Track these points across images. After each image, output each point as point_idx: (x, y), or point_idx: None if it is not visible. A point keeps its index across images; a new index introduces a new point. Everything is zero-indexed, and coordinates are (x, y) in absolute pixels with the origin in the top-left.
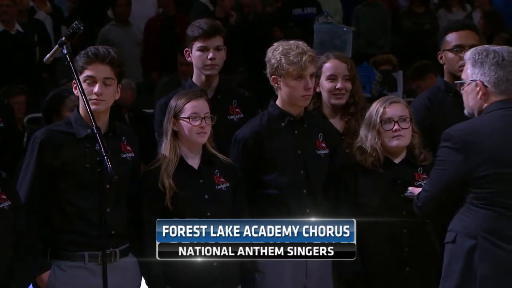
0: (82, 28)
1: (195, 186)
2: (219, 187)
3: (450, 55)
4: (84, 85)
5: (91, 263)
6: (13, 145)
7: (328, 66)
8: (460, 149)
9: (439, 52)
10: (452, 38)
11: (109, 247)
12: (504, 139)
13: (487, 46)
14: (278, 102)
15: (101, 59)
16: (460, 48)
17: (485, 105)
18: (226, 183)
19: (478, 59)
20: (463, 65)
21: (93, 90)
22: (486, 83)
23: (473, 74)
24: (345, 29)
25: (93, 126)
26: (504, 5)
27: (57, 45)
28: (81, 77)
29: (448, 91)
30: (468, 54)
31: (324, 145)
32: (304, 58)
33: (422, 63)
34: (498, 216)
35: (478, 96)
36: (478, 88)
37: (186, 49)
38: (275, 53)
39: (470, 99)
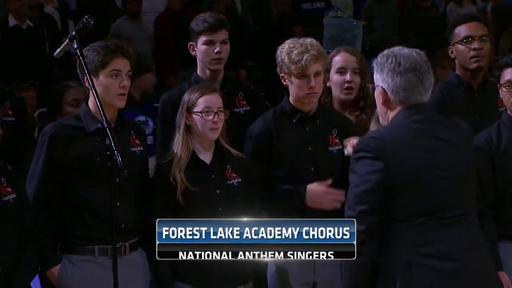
0: (92, 22)
1: (207, 181)
2: (230, 182)
3: (460, 47)
4: (107, 79)
5: (101, 257)
6: (25, 139)
7: (337, 59)
8: (378, 157)
9: (450, 47)
10: (461, 30)
11: (119, 241)
12: (422, 150)
13: (395, 48)
14: (290, 99)
15: (124, 52)
16: (469, 39)
17: (390, 113)
18: (238, 178)
19: (379, 63)
20: (473, 56)
21: (119, 84)
22: (386, 90)
23: (376, 79)
24: (355, 23)
25: (103, 120)
26: None
27: (67, 40)
28: (105, 71)
29: (460, 85)
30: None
31: (337, 140)
32: (305, 57)
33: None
34: (423, 229)
35: (381, 103)
36: (381, 94)
37: (191, 43)
38: (282, 51)
39: (378, 104)
